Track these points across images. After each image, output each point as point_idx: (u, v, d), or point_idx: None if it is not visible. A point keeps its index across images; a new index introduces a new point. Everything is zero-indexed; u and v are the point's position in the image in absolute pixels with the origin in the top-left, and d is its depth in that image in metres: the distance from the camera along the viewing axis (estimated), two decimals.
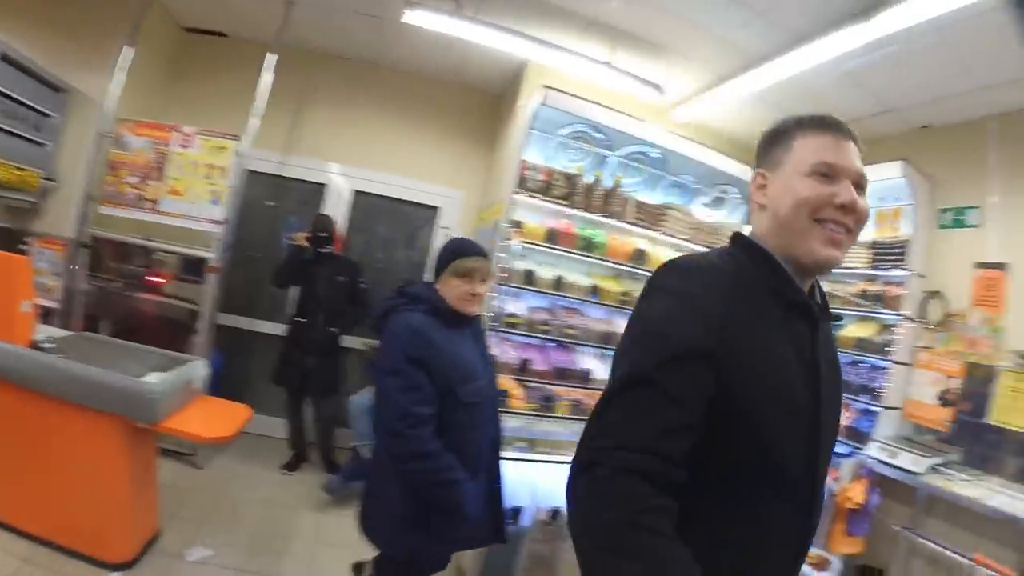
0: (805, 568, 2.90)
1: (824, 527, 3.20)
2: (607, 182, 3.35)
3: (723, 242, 3.41)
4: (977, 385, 3.24)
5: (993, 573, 2.67)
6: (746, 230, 1.04)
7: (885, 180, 3.39)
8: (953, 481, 3.11)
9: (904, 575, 3.13)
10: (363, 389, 3.65)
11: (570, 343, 3.29)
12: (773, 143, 0.96)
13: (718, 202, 3.83)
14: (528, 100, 3.33)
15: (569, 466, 0.81)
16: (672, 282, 0.88)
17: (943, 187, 3.58)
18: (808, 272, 0.93)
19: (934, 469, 3.17)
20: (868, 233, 3.58)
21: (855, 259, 3.55)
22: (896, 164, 3.37)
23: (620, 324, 3.42)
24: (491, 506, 1.96)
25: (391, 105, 4.27)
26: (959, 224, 3.48)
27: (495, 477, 1.99)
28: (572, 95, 3.13)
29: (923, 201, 3.50)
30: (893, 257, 3.39)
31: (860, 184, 0.91)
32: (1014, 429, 3.12)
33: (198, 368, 2.70)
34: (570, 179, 3.21)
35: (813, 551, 3.06)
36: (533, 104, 3.12)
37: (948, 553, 2.91)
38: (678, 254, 3.43)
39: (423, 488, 1.73)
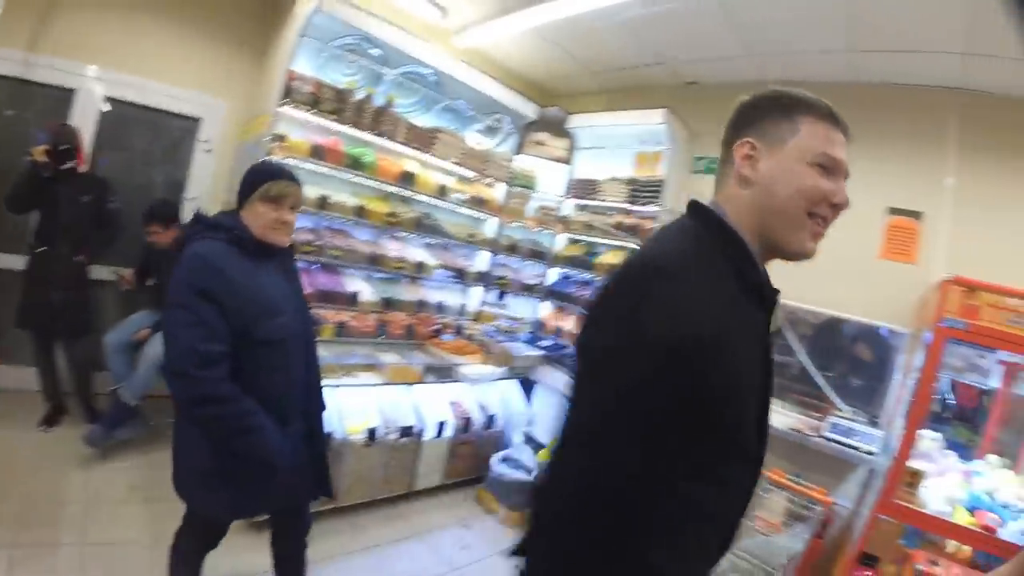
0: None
1: None
2: (380, 100, 3.27)
3: (493, 169, 3.46)
4: None
5: None
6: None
7: (649, 126, 3.69)
8: None
9: None
10: (118, 325, 3.32)
11: (336, 265, 3.18)
12: (775, 114, 0.90)
13: (491, 131, 3.94)
14: (303, 5, 3.11)
15: None
16: (662, 291, 0.80)
17: (701, 138, 3.94)
18: (775, 256, 0.93)
19: None
20: (628, 171, 3.88)
21: (614, 194, 3.83)
22: (660, 112, 3.65)
23: (387, 245, 3.40)
24: (312, 455, 1.79)
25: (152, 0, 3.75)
26: (711, 171, 3.81)
27: (314, 423, 1.83)
28: (351, 4, 3.00)
29: (681, 148, 3.84)
30: (649, 194, 3.68)
31: (845, 180, 0.91)
32: None
33: None
34: (340, 93, 3.09)
35: None
36: (307, 9, 2.93)
37: None
38: (447, 177, 3.41)
39: (221, 436, 1.54)
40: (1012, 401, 2.82)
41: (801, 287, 3.53)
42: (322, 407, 1.88)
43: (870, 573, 2.48)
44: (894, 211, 3.57)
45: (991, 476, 2.57)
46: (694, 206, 0.95)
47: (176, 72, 3.77)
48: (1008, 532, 2.21)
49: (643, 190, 3.71)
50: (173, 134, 3.85)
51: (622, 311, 0.81)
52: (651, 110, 3.66)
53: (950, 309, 2.78)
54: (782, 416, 3.34)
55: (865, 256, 3.53)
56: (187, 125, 3.86)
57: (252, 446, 1.55)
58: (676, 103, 3.80)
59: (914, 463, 2.64)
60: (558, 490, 0.85)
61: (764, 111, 0.91)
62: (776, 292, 0.94)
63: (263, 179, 1.66)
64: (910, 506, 2.47)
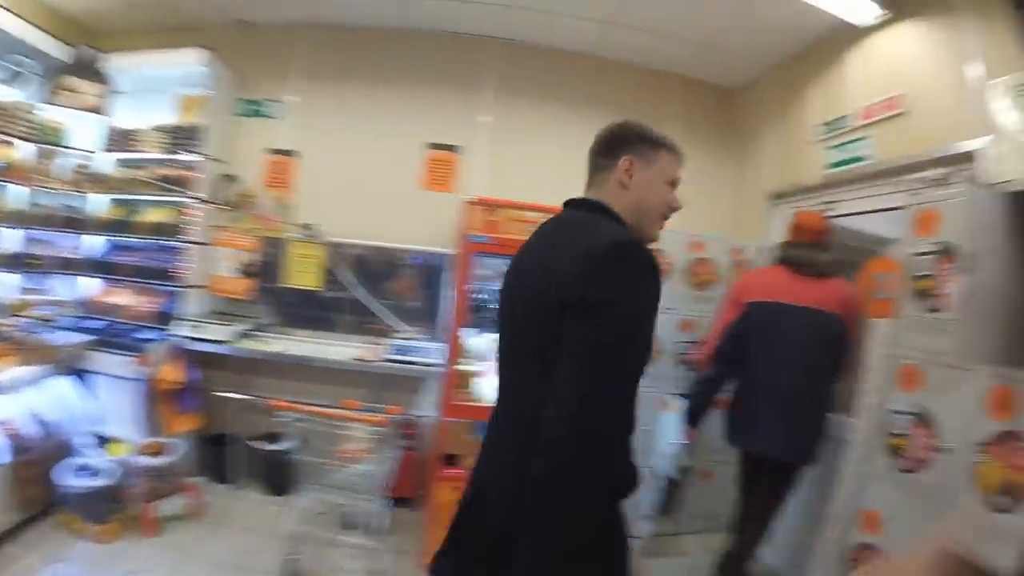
0: (142, 459, 2.93)
1: (154, 414, 3.30)
2: None
3: (13, 125, 3.02)
4: (271, 256, 3.73)
5: (291, 412, 2.64)
6: None
7: (192, 67, 3.49)
8: (263, 341, 3.57)
9: (248, 431, 3.59)
10: None
11: None
12: (647, 144, 1.27)
13: (14, 77, 3.44)
14: None
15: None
16: (642, 265, 1.09)
17: (248, 80, 3.88)
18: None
19: (245, 334, 3.57)
20: (167, 118, 3.62)
21: (150, 144, 3.59)
22: (201, 52, 3.48)
23: None
24: None
25: None
26: (257, 114, 3.88)
27: None
28: None
29: (225, 91, 3.73)
30: (189, 141, 3.51)
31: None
32: (304, 288, 3.73)
33: None
34: None
35: (148, 441, 3.11)
36: None
37: (261, 401, 3.34)
38: None
39: None
40: None
41: (349, 222, 3.75)
42: None
43: (455, 470, 2.75)
44: (433, 146, 3.87)
45: None
46: (592, 203, 1.27)
47: None
48: None
49: (184, 137, 3.52)
50: None
51: (629, 275, 1.07)
52: (193, 49, 3.47)
53: (474, 227, 3.07)
54: (344, 348, 3.54)
55: (408, 188, 3.81)
56: None
57: None
58: (227, 43, 3.69)
59: (464, 365, 2.93)
60: (593, 414, 1.01)
61: (637, 140, 1.27)
62: None
63: None
64: (468, 404, 2.79)
